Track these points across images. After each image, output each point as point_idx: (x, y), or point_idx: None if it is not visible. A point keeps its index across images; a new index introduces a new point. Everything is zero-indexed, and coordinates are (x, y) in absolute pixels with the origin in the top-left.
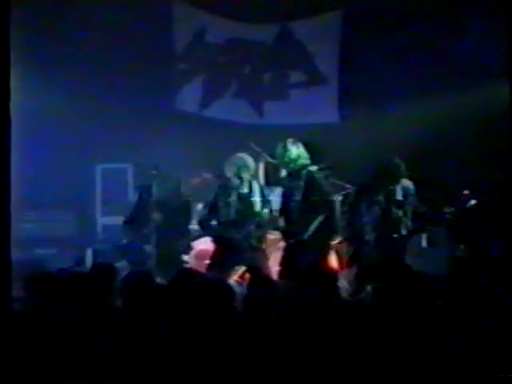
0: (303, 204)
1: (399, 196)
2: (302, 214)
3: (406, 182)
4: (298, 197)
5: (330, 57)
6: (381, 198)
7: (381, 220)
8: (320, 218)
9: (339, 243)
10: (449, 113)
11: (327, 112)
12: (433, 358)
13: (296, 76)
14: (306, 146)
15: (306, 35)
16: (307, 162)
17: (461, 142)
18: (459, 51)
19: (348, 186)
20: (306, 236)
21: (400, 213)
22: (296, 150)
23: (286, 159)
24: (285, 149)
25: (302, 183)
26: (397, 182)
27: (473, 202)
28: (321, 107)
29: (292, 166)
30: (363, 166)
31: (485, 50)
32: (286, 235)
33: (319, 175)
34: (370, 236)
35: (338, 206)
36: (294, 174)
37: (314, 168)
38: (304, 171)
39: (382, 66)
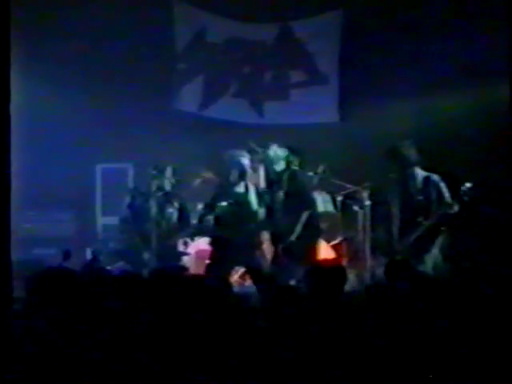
0: (286, 203)
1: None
2: (286, 214)
3: (434, 176)
4: (280, 197)
5: (330, 56)
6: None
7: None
8: (304, 217)
9: (339, 243)
10: (449, 112)
11: (327, 112)
12: (435, 358)
13: (296, 76)
14: (293, 150)
15: (306, 35)
16: (293, 164)
17: (461, 142)
18: (459, 51)
19: (348, 186)
20: (294, 238)
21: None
22: (282, 154)
23: (273, 161)
24: (273, 152)
25: (284, 183)
26: (408, 166)
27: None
28: (321, 107)
29: (277, 167)
30: (363, 166)
31: (485, 50)
32: (274, 238)
33: (300, 172)
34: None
35: (320, 202)
36: (276, 175)
37: (296, 167)
38: (287, 171)
39: (382, 65)
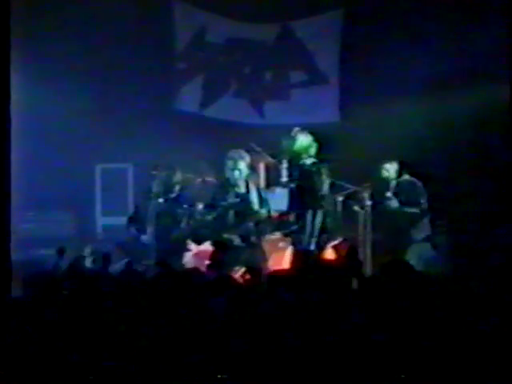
0: (299, 197)
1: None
2: (300, 209)
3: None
4: (295, 190)
5: (330, 56)
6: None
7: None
8: (319, 217)
9: (339, 243)
10: (449, 112)
11: (328, 111)
12: (434, 358)
13: (296, 76)
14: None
15: (307, 35)
16: (314, 152)
17: (461, 142)
18: (460, 51)
19: (348, 186)
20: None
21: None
22: (305, 140)
23: (295, 149)
24: (294, 139)
25: (296, 173)
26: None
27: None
28: (321, 107)
29: (298, 156)
30: (364, 166)
31: (485, 50)
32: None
33: (314, 168)
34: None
35: (328, 200)
36: (293, 166)
37: (312, 160)
38: (301, 163)
39: (382, 65)
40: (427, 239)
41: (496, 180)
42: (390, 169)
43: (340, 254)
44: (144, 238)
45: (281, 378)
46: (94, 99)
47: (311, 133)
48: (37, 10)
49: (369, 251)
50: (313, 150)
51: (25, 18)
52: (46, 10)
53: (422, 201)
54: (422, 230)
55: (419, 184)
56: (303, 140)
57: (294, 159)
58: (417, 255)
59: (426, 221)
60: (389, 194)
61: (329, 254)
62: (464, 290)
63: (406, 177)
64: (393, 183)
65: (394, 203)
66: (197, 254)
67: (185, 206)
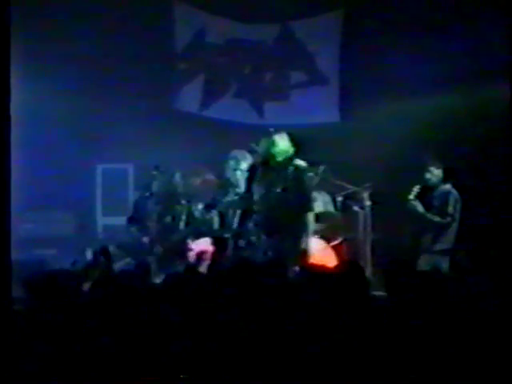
0: (283, 200)
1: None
2: (281, 210)
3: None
4: (278, 191)
5: (330, 57)
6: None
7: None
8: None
9: (339, 244)
10: (449, 113)
11: (328, 112)
12: (437, 358)
13: (296, 76)
14: (291, 138)
15: (307, 35)
16: (291, 154)
17: (461, 143)
18: (459, 51)
19: (348, 186)
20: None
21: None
22: (283, 143)
23: (272, 152)
24: (272, 143)
25: (287, 178)
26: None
27: None
28: (321, 107)
29: (277, 158)
30: (364, 167)
31: (485, 50)
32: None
33: (306, 174)
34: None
35: (320, 203)
36: (277, 167)
37: (302, 164)
38: (291, 167)
39: (382, 65)
40: (444, 252)
41: (496, 179)
42: (434, 172)
43: (340, 254)
44: (145, 238)
45: (281, 378)
46: (94, 99)
47: (289, 134)
48: (37, 9)
49: (368, 251)
50: (289, 154)
51: (25, 17)
52: (47, 10)
53: (450, 212)
54: (442, 241)
55: (455, 194)
56: (281, 144)
57: (270, 161)
58: (426, 265)
59: (449, 233)
60: (411, 197)
61: (329, 253)
62: (465, 290)
63: (447, 186)
64: (417, 187)
65: (419, 207)
66: (197, 255)
67: (183, 202)
